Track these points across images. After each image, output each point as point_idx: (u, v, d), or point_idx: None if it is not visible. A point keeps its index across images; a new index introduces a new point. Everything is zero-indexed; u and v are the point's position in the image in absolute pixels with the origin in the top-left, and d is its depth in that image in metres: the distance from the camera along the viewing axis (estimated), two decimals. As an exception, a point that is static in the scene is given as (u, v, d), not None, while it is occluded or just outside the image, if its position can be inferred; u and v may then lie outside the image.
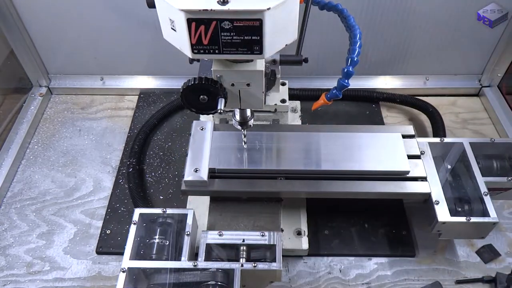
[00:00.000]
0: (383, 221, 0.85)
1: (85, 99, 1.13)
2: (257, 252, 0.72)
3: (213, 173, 0.77)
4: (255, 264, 0.67)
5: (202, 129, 0.82)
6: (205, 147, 0.79)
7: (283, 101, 0.92)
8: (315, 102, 0.71)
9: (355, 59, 0.61)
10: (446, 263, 0.81)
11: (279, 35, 0.51)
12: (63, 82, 1.15)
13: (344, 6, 0.67)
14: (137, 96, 1.12)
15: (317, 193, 0.77)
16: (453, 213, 0.73)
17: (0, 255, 0.83)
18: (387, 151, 0.79)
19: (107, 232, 0.85)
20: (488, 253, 0.81)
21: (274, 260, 0.69)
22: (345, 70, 0.62)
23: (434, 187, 0.76)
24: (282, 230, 0.79)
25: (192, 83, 0.57)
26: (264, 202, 0.83)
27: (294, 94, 1.05)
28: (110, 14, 1.00)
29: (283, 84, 0.95)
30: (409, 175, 0.77)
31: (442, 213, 0.73)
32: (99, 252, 0.83)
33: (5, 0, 0.96)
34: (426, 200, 0.76)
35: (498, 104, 1.08)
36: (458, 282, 0.78)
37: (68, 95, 1.14)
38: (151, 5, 0.52)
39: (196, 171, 0.76)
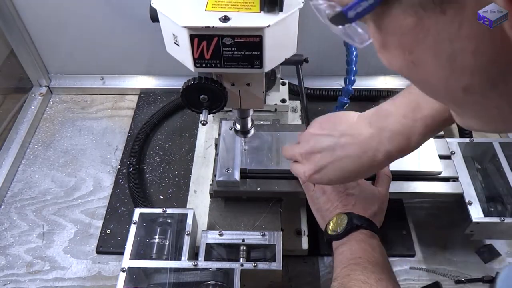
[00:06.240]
0: (383, 221, 0.85)
1: (85, 98, 1.13)
2: (257, 252, 0.72)
3: (245, 173, 0.78)
4: (255, 264, 0.67)
5: (231, 129, 0.82)
6: (236, 147, 0.79)
7: (283, 101, 0.92)
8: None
9: (353, 79, 0.63)
10: (446, 263, 0.81)
11: (278, 50, 0.53)
12: (63, 81, 1.15)
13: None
14: (137, 96, 1.12)
15: None
16: (485, 213, 0.74)
17: (0, 255, 0.83)
18: (418, 151, 0.79)
19: (107, 231, 0.85)
20: (488, 253, 0.81)
21: (274, 260, 0.69)
22: (345, 89, 0.63)
23: (466, 187, 0.76)
24: (282, 230, 0.79)
25: (193, 82, 0.57)
26: (264, 202, 0.83)
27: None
28: (111, 14, 1.00)
29: (283, 84, 0.95)
30: (441, 175, 0.77)
31: (476, 213, 0.73)
32: (99, 251, 0.83)
33: (5, 0, 0.97)
34: (458, 200, 0.76)
35: (498, 104, 1.07)
36: (458, 282, 0.78)
37: (68, 94, 1.14)
38: (155, 19, 0.53)
39: (227, 171, 0.76)
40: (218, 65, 0.52)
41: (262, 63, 0.52)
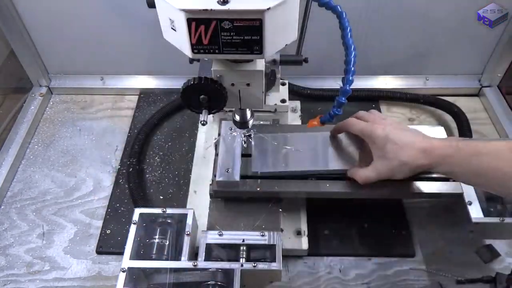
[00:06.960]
0: (383, 221, 0.85)
1: (85, 99, 1.13)
2: (257, 252, 0.72)
3: (245, 174, 0.78)
4: (255, 264, 0.67)
5: (231, 129, 0.82)
6: (236, 147, 0.80)
7: (283, 101, 0.92)
8: (310, 121, 0.73)
9: (351, 79, 0.63)
10: (446, 263, 0.81)
11: (279, 35, 0.51)
12: (63, 82, 1.15)
13: (344, 8, 0.67)
14: (137, 96, 1.12)
15: (355, 193, 0.77)
16: (485, 213, 0.74)
17: (0, 255, 0.83)
18: None
19: (107, 232, 0.85)
20: (488, 253, 0.81)
21: (274, 260, 0.69)
22: (343, 89, 0.64)
23: (466, 187, 0.76)
24: (282, 230, 0.79)
25: (192, 83, 0.57)
26: (264, 202, 0.83)
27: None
28: (110, 14, 1.00)
29: (283, 84, 0.95)
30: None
31: (476, 213, 0.73)
32: (99, 252, 0.83)
33: (5, 0, 0.97)
34: (458, 200, 0.76)
35: (498, 104, 1.07)
36: (458, 282, 0.78)
37: (68, 95, 1.14)
38: (151, 5, 0.52)
39: (227, 171, 0.76)
40: (217, 51, 0.51)
41: (262, 48, 0.50)
